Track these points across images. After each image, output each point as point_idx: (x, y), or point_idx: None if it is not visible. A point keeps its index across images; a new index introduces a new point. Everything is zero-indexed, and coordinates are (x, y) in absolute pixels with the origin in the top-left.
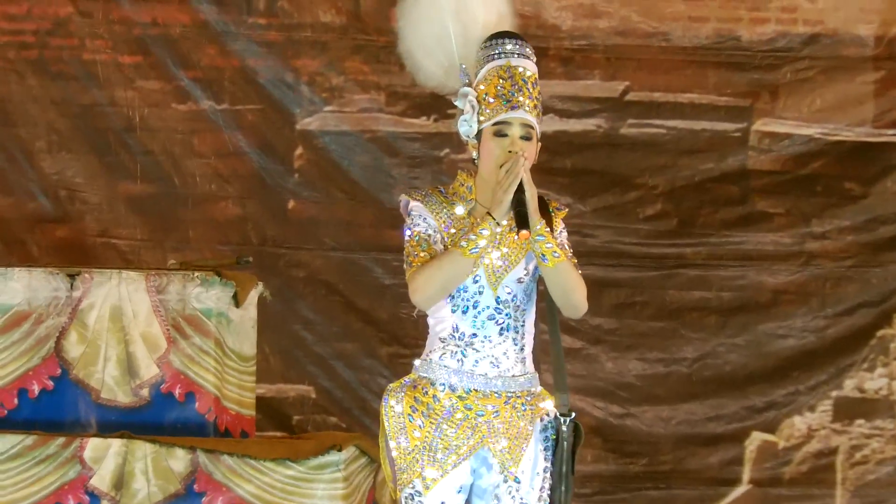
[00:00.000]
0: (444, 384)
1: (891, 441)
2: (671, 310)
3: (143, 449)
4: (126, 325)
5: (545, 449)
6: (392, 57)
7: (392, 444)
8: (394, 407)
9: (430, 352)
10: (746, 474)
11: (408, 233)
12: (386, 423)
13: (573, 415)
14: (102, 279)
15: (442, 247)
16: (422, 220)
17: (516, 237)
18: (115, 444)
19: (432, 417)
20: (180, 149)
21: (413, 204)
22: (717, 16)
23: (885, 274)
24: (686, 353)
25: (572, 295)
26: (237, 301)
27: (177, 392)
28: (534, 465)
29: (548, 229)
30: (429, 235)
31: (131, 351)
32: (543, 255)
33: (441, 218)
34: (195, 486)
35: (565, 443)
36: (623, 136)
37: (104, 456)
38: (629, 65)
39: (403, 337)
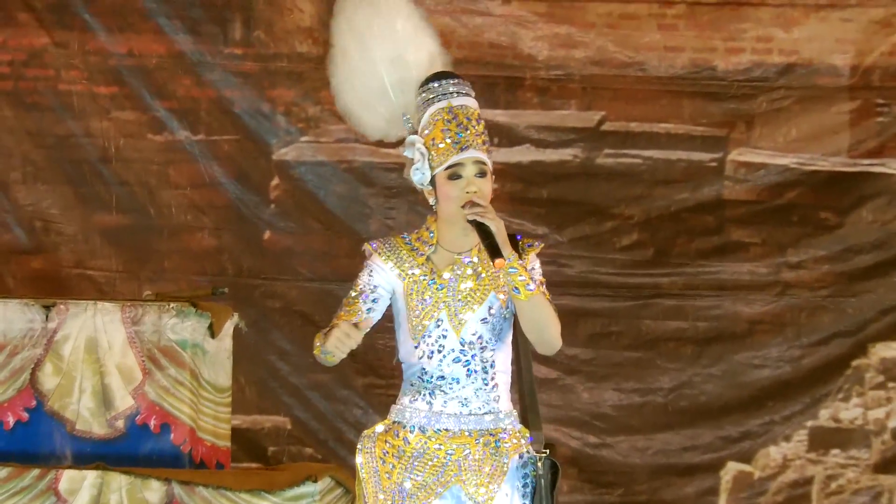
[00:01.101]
0: (413, 426)
1: (866, 471)
2: (647, 340)
3: (119, 481)
4: (101, 356)
5: (524, 486)
6: None
7: (367, 492)
8: (367, 453)
9: (403, 396)
10: None
11: (353, 285)
12: (360, 471)
13: (548, 452)
14: (78, 310)
15: (370, 303)
16: (367, 273)
17: (480, 274)
18: (91, 476)
19: (403, 459)
20: (156, 180)
21: (373, 255)
22: (692, 46)
23: (861, 304)
24: (662, 383)
25: (546, 330)
26: (213, 332)
27: (152, 423)
28: (510, 502)
29: (520, 262)
30: (362, 292)
31: (106, 382)
32: (516, 287)
33: (401, 265)
34: None
35: (542, 481)
36: (599, 166)
37: (79, 488)
38: (605, 95)
39: (379, 368)
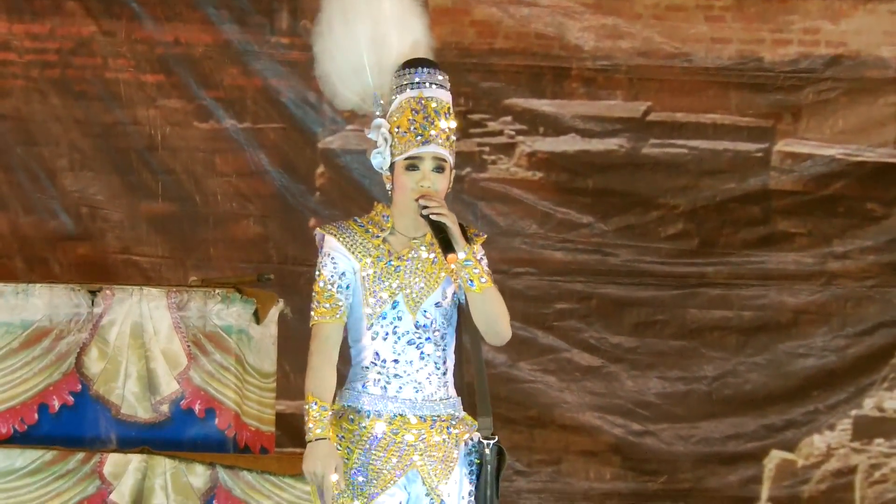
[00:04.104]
0: (370, 411)
1: None
2: (692, 329)
3: (163, 465)
4: (147, 341)
5: (470, 473)
6: None
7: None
8: None
9: (354, 381)
10: (765, 493)
11: (316, 274)
12: None
13: (496, 438)
14: (123, 296)
15: (345, 292)
16: (330, 260)
17: (435, 258)
18: (135, 460)
19: (360, 445)
20: (202, 168)
21: (326, 238)
22: (739, 37)
23: None
24: (706, 371)
25: (498, 321)
26: (258, 318)
27: (197, 408)
28: (459, 489)
29: (475, 255)
30: (333, 282)
31: (152, 367)
32: (471, 280)
33: (356, 248)
34: (214, 502)
35: (489, 466)
36: (645, 156)
37: (124, 471)
38: (651, 85)
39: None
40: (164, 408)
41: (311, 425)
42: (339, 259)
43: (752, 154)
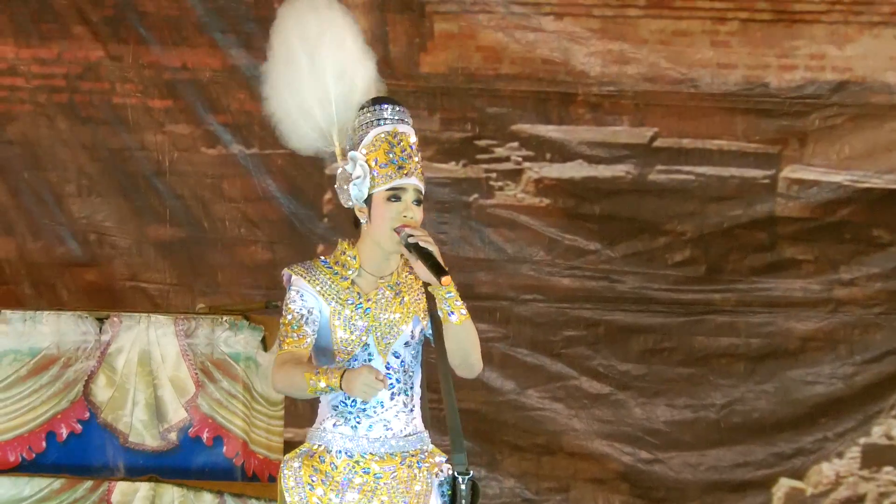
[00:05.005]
0: (340, 451)
1: None
2: (699, 356)
3: (171, 493)
4: (154, 368)
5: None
6: (421, 102)
7: None
8: (293, 477)
9: (324, 420)
10: None
11: (284, 309)
12: (286, 496)
13: (472, 473)
14: (131, 323)
15: (313, 326)
16: (299, 297)
17: (403, 298)
18: (143, 488)
19: (332, 486)
20: (210, 193)
21: (294, 279)
22: (745, 63)
23: None
24: (714, 399)
25: (473, 353)
26: (266, 345)
27: (205, 436)
28: None
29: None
30: (302, 316)
31: (159, 395)
32: (452, 311)
33: (325, 292)
34: None
35: (464, 501)
36: (651, 182)
37: (132, 500)
38: (658, 111)
39: (432, 382)
40: (172, 435)
41: (328, 378)
42: (307, 296)
43: (758, 180)
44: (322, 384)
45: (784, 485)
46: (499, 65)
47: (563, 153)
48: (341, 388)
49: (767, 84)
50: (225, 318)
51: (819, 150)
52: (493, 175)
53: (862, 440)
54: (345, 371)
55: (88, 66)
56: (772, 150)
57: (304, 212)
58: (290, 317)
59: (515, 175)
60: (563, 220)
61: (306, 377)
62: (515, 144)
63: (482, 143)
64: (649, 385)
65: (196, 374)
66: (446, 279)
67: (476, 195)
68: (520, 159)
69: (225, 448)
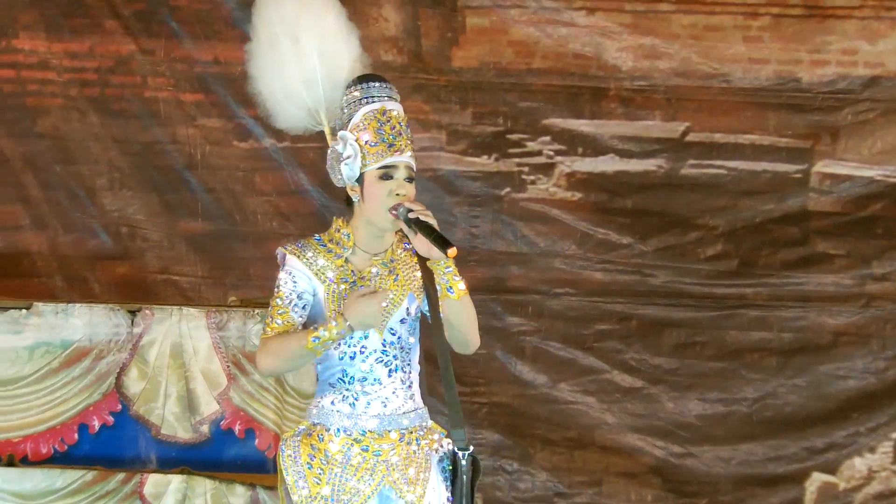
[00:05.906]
0: (338, 429)
1: None
2: (731, 350)
3: (203, 485)
4: (186, 361)
5: (444, 480)
6: (453, 96)
7: (294, 496)
8: (291, 456)
9: (322, 398)
10: None
11: (275, 290)
12: (285, 474)
13: (471, 448)
14: (163, 315)
15: (300, 311)
16: (290, 278)
17: (397, 275)
18: (175, 480)
19: (331, 465)
20: (241, 186)
21: (288, 258)
22: (777, 58)
23: None
24: (746, 393)
25: (471, 329)
26: None
27: (237, 428)
28: (438, 497)
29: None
30: (291, 301)
31: (191, 387)
32: (451, 286)
33: (319, 271)
34: None
35: (465, 477)
36: (683, 177)
37: (164, 492)
38: (689, 105)
39: (463, 375)
40: (204, 428)
41: (327, 325)
42: (300, 278)
43: (790, 175)
44: (323, 333)
45: (817, 479)
46: (531, 59)
47: (594, 147)
48: (346, 323)
49: (799, 79)
50: (256, 311)
51: (851, 145)
52: (525, 169)
53: (894, 435)
54: (340, 312)
55: (120, 60)
56: (804, 144)
57: (335, 205)
58: (278, 300)
59: (547, 169)
60: (594, 214)
61: (305, 335)
62: (547, 138)
63: (514, 137)
64: (681, 379)
65: (228, 366)
66: (453, 251)
67: (508, 189)
68: (552, 153)
69: (257, 440)
